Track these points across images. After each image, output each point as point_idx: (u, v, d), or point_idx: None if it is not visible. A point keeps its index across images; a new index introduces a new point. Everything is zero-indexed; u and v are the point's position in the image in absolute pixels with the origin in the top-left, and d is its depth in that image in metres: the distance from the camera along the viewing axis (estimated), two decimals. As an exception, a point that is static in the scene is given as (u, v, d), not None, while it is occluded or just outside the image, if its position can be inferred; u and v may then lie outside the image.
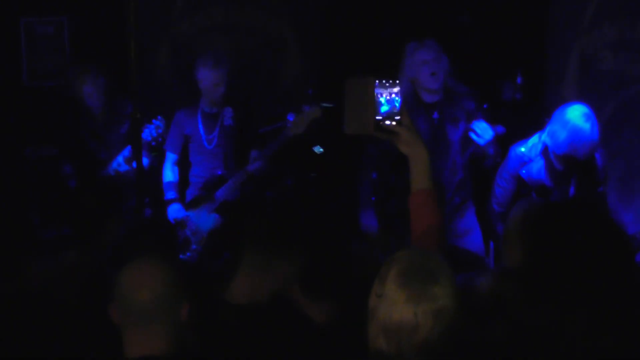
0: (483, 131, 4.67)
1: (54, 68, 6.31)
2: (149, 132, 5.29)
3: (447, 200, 4.88)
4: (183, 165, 5.71)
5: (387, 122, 2.53)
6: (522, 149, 4.63)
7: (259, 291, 2.78)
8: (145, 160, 5.32)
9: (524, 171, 4.62)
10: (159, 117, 5.38)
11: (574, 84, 5.86)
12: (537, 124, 4.70)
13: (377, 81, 2.51)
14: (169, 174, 5.62)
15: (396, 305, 2.14)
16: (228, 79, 5.46)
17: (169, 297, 2.50)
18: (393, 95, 2.52)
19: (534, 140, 4.61)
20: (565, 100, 4.95)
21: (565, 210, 2.59)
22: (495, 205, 4.78)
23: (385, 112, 2.52)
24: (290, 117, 5.36)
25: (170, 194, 5.56)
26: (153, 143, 5.35)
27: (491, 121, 4.86)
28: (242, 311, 2.75)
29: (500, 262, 3.47)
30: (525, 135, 4.72)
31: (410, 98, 4.82)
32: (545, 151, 4.55)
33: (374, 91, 2.50)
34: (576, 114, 4.35)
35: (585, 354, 2.30)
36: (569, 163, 4.50)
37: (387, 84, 2.52)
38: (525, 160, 4.61)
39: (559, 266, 2.51)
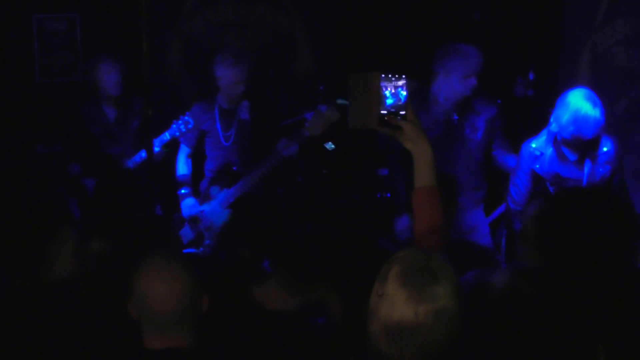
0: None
1: (66, 65, 6.32)
2: (177, 128, 5.30)
3: (461, 195, 4.88)
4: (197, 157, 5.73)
5: (392, 117, 2.50)
6: (533, 145, 4.66)
7: (289, 302, 2.80)
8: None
9: (537, 166, 4.63)
10: (187, 113, 5.40)
11: (586, 80, 5.84)
12: (549, 121, 4.71)
13: (382, 75, 2.47)
14: (183, 167, 5.62)
15: (397, 305, 2.12)
16: (248, 77, 5.46)
17: (189, 302, 2.48)
18: (398, 89, 2.48)
19: (543, 134, 4.63)
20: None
21: (575, 202, 2.58)
22: (511, 204, 4.79)
23: (390, 106, 2.48)
24: (308, 116, 5.34)
25: (183, 188, 5.57)
26: (182, 138, 5.37)
27: (506, 120, 4.98)
28: (270, 317, 2.76)
29: (516, 259, 3.47)
30: (537, 132, 4.72)
31: (441, 97, 4.87)
32: (554, 141, 4.58)
33: (379, 85, 2.45)
34: (577, 95, 4.45)
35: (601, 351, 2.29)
36: (577, 148, 4.53)
37: (393, 78, 2.47)
38: (537, 155, 4.63)
39: (571, 260, 2.50)
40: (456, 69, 4.80)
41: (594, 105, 4.38)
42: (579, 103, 4.39)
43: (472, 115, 4.90)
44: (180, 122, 5.31)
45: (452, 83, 4.82)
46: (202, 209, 5.50)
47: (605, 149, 4.57)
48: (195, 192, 5.62)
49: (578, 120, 4.39)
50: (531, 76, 6.40)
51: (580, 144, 4.51)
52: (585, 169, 4.56)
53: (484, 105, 4.94)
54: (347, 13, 7.31)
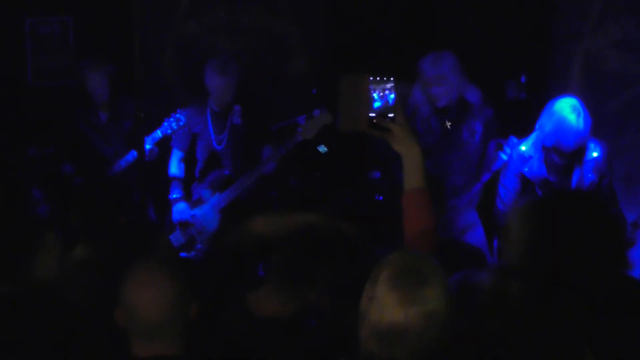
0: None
1: (59, 68, 6.32)
2: (168, 125, 5.29)
3: (455, 198, 4.88)
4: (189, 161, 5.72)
5: (381, 119, 2.50)
6: (523, 148, 4.64)
7: (283, 309, 2.79)
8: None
9: (526, 169, 4.62)
10: (178, 110, 5.40)
11: (578, 84, 5.86)
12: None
13: (370, 77, 2.46)
14: (175, 171, 5.59)
15: (387, 308, 2.12)
16: (237, 84, 5.45)
17: (177, 310, 2.45)
18: (386, 92, 2.46)
19: (533, 137, 4.62)
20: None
21: (560, 203, 2.58)
22: (499, 205, 4.78)
23: (378, 109, 2.48)
24: (301, 121, 5.34)
25: (175, 193, 5.54)
26: (173, 141, 5.36)
27: (499, 123, 4.98)
28: (263, 323, 2.75)
29: (501, 258, 3.47)
30: (528, 135, 4.72)
31: (424, 104, 4.85)
32: (543, 146, 4.56)
33: (367, 87, 2.44)
34: (563, 105, 4.40)
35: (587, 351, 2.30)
36: (564, 154, 4.51)
37: (381, 80, 2.47)
38: (526, 158, 4.62)
39: (555, 260, 2.50)
40: (421, 75, 4.82)
41: (579, 116, 4.34)
42: (564, 113, 4.35)
43: (469, 119, 4.90)
44: (171, 119, 5.31)
45: (419, 91, 4.84)
46: (194, 213, 5.49)
47: (594, 155, 4.53)
48: (187, 196, 5.61)
49: (560, 131, 4.36)
50: (523, 79, 6.41)
51: (563, 153, 4.48)
52: (574, 175, 4.55)
53: (482, 108, 4.93)
54: (340, 15, 7.32)
